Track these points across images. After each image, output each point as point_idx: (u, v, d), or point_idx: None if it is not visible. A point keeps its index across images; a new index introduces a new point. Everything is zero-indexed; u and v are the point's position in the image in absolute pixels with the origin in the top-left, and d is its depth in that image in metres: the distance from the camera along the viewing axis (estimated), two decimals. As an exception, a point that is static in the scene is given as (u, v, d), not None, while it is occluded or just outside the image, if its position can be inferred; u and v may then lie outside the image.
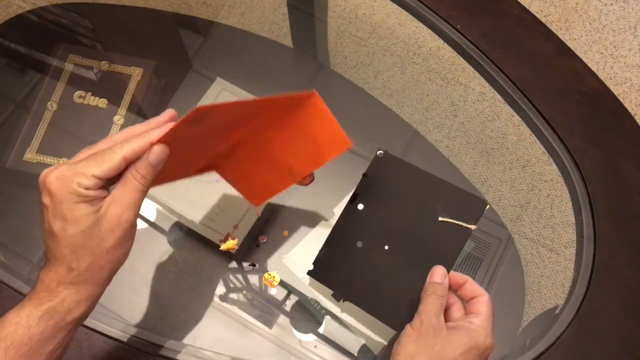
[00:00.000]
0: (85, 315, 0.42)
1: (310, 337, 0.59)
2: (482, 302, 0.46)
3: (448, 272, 0.48)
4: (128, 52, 0.76)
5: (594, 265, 0.59)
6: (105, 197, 0.40)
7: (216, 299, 0.61)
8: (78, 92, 0.73)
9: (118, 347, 0.56)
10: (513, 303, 0.63)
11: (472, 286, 0.47)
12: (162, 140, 0.41)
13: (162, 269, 0.62)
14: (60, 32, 0.81)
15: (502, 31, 0.71)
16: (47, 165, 0.69)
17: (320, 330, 0.59)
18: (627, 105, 1.12)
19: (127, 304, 0.60)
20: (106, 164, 0.40)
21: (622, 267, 0.59)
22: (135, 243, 0.44)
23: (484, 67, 0.70)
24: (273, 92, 0.73)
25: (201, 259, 0.63)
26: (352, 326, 0.58)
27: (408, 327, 0.45)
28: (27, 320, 0.40)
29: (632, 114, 0.67)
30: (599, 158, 0.64)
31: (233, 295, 0.61)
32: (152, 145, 0.41)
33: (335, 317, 0.59)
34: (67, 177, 0.39)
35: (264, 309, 0.60)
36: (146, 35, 0.81)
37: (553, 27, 1.07)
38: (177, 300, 0.61)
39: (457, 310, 0.48)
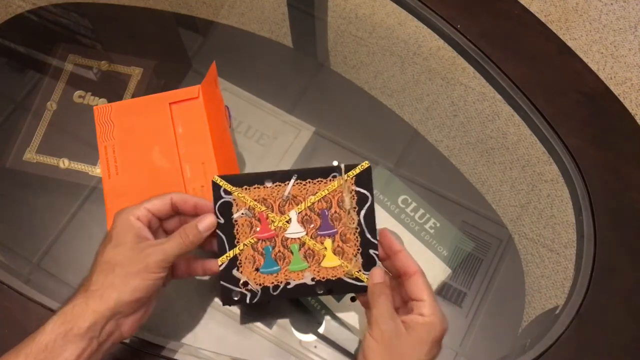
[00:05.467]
0: (92, 329, 0.43)
1: (310, 337, 0.59)
2: (421, 284, 0.45)
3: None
4: (128, 52, 0.76)
5: (594, 265, 0.59)
6: (148, 238, 0.46)
7: (216, 299, 0.60)
8: (78, 92, 0.73)
9: (117, 348, 0.56)
10: (513, 303, 0.63)
11: (405, 259, 0.46)
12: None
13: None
14: (60, 31, 0.81)
15: (503, 31, 0.71)
16: (46, 165, 0.69)
17: (320, 330, 0.59)
18: (627, 105, 1.12)
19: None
20: (156, 200, 0.48)
21: (623, 267, 0.59)
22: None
23: (484, 67, 0.70)
24: (273, 92, 0.73)
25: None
26: (352, 326, 0.58)
27: (370, 340, 0.44)
28: (48, 327, 0.42)
29: (633, 114, 0.67)
30: (599, 158, 0.64)
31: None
32: (202, 213, 0.48)
33: (335, 317, 0.59)
34: (128, 209, 0.47)
35: (264, 309, 0.60)
36: (146, 35, 0.81)
37: (553, 27, 1.08)
38: (177, 300, 0.61)
39: (396, 299, 0.48)
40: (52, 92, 0.73)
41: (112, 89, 0.73)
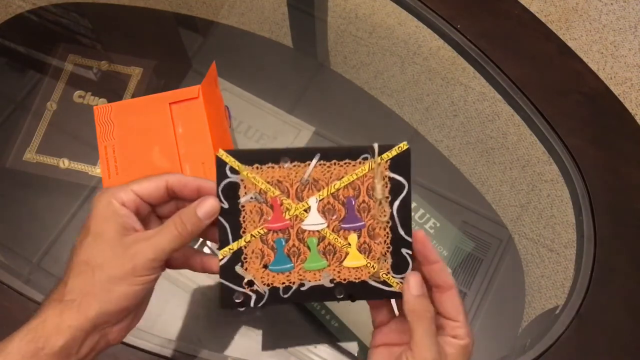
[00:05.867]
0: (68, 346, 0.35)
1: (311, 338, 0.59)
2: (457, 303, 0.39)
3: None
4: (128, 51, 0.76)
5: (594, 265, 0.59)
6: (136, 229, 0.38)
7: (214, 297, 0.60)
8: (78, 91, 0.73)
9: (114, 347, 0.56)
10: (513, 303, 0.63)
11: (442, 272, 0.39)
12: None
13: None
14: (60, 31, 0.81)
15: (503, 31, 0.71)
16: (46, 165, 0.69)
17: (320, 329, 0.59)
18: (627, 105, 1.12)
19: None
20: (147, 182, 0.39)
21: (623, 267, 0.59)
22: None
23: (484, 67, 0.70)
24: (273, 92, 0.73)
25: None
26: (352, 326, 0.58)
27: None
28: (12, 347, 0.35)
29: (633, 114, 0.67)
30: (599, 158, 0.64)
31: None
32: (203, 194, 0.39)
33: (335, 317, 0.59)
34: (110, 191, 0.38)
35: (264, 309, 0.60)
36: (146, 35, 0.81)
37: (553, 27, 1.08)
38: (176, 302, 0.61)
39: None
40: (52, 92, 0.73)
41: (112, 89, 0.73)
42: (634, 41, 1.33)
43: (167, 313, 0.60)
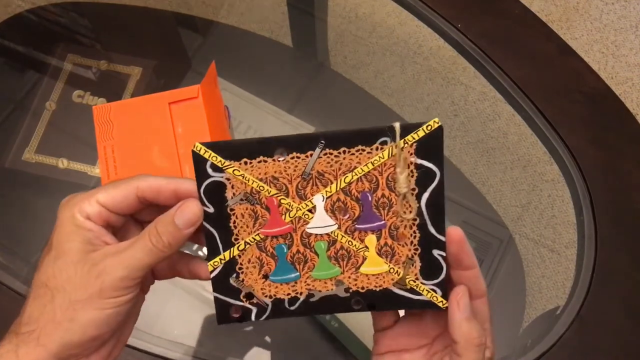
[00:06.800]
0: None
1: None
2: (486, 312, 0.35)
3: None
4: (127, 51, 0.76)
5: (595, 265, 0.59)
6: (108, 243, 0.32)
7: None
8: (77, 91, 0.73)
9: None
10: (514, 304, 0.63)
11: (476, 279, 0.34)
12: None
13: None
14: (59, 31, 0.81)
15: (503, 30, 0.71)
16: (45, 165, 0.69)
17: (320, 329, 0.59)
18: (628, 104, 1.11)
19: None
20: (114, 191, 0.32)
21: (623, 268, 0.59)
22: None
23: (484, 66, 0.70)
24: (273, 92, 0.73)
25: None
26: (355, 329, 0.58)
27: None
28: None
29: (634, 114, 0.67)
30: (600, 158, 0.64)
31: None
32: (181, 198, 0.32)
33: (334, 317, 0.59)
34: (74, 201, 0.32)
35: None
36: (146, 34, 0.81)
37: (554, 27, 1.07)
38: (176, 302, 0.61)
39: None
40: (51, 92, 0.73)
41: (111, 88, 0.73)
42: (635, 41, 1.33)
43: (167, 313, 0.60)
